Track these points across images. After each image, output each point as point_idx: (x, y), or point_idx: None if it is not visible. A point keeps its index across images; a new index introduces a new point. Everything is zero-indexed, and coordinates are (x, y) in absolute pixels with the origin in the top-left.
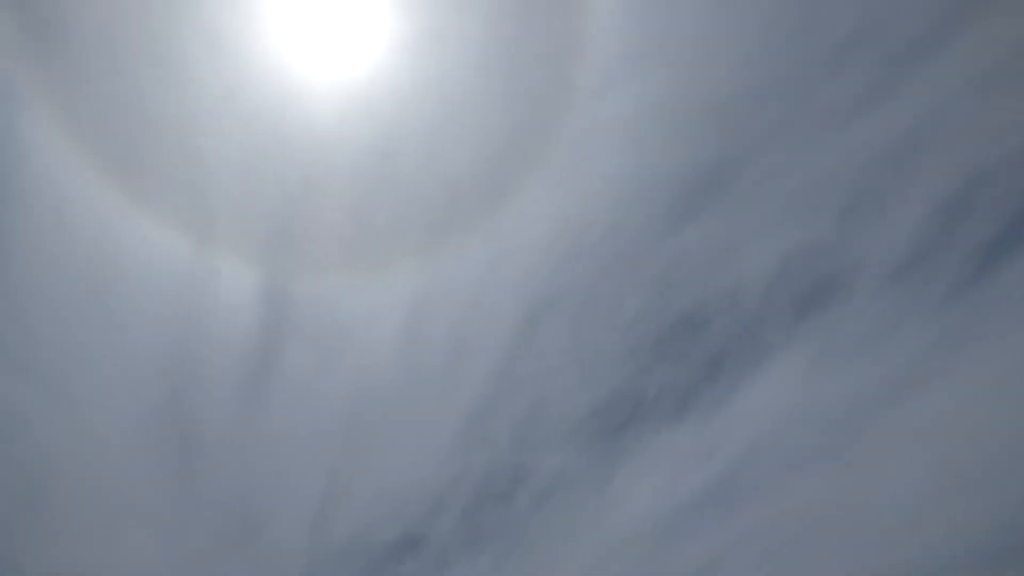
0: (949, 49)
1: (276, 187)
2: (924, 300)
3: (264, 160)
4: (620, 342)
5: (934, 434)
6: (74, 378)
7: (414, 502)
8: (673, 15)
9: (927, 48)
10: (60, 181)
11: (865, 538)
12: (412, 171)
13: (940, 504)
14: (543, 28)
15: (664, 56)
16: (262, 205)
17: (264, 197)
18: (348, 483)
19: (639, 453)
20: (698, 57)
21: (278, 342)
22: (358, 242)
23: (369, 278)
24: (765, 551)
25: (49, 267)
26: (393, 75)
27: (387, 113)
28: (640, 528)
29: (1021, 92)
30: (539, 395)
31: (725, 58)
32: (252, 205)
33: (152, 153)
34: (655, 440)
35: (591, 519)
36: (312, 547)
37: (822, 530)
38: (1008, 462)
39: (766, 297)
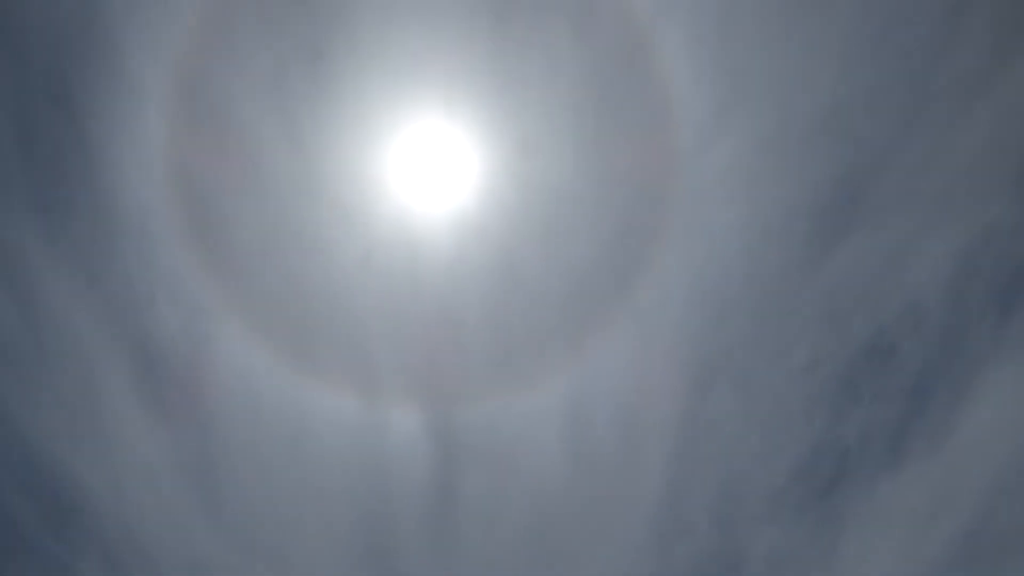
0: None
1: (419, 327)
2: None
3: (404, 304)
4: (801, 392)
5: None
6: (287, 541)
7: None
8: (751, 52)
9: None
10: (247, 369)
11: None
12: (538, 277)
13: None
14: (628, 107)
15: (754, 93)
16: (411, 347)
17: (411, 339)
18: None
19: (862, 512)
20: (788, 82)
21: (453, 471)
22: (505, 357)
23: (523, 389)
24: None
25: (251, 445)
26: (498, 192)
27: (501, 228)
28: None
29: None
30: (728, 468)
31: (817, 73)
32: (403, 349)
33: (313, 325)
34: (876, 494)
35: None
36: None
37: None
38: None
39: (954, 302)
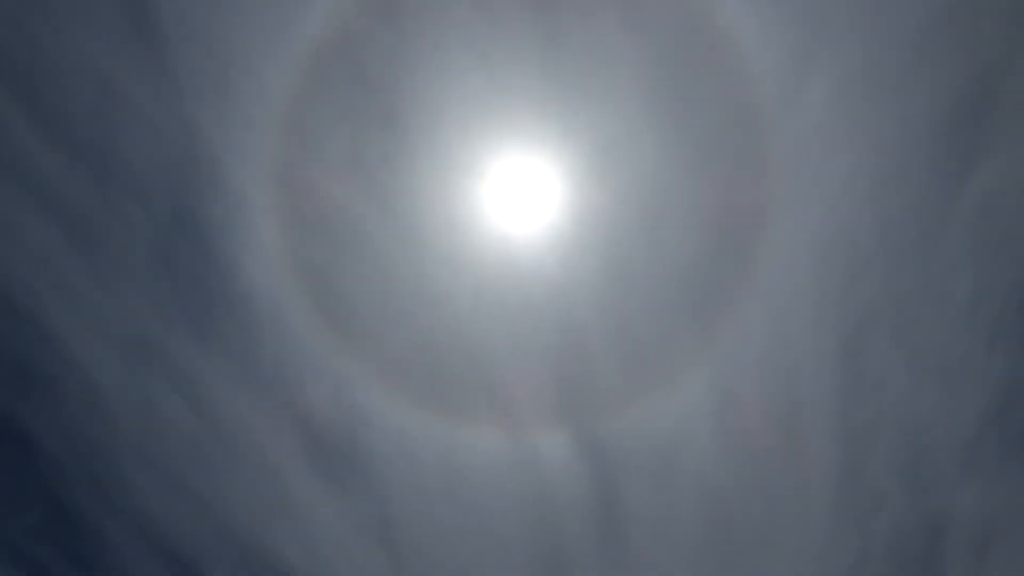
0: None
1: (545, 351)
2: None
3: (526, 332)
4: (971, 331)
5: None
6: None
7: None
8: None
9: None
10: (397, 426)
11: None
12: (650, 273)
13: None
14: (699, 77)
15: (835, 25)
16: (542, 372)
17: (540, 365)
18: None
19: None
20: (871, 2)
21: (611, 485)
22: (637, 361)
23: (664, 390)
24: None
25: (416, 495)
26: (588, 199)
27: (600, 235)
28: None
29: None
30: (909, 427)
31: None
32: (535, 376)
33: (445, 372)
34: None
35: None
36: None
37: None
38: None
39: None
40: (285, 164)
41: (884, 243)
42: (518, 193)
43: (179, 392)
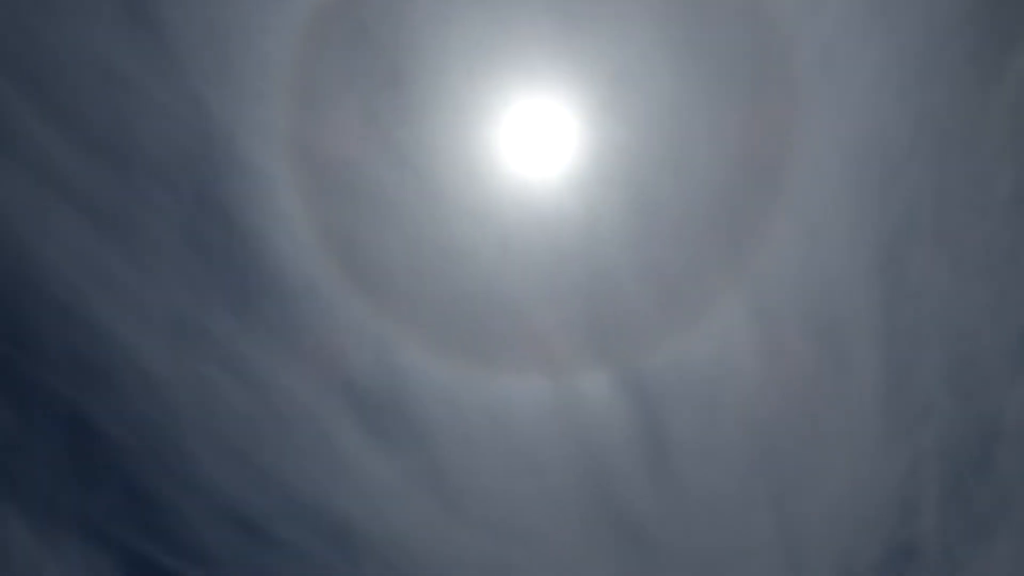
0: None
1: (577, 293)
2: None
3: (556, 277)
4: (1016, 227)
5: None
6: (525, 518)
7: (879, 508)
8: None
9: None
10: (439, 381)
11: None
12: (677, 203)
13: None
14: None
15: None
16: (576, 315)
17: (574, 307)
18: (797, 517)
19: None
20: None
21: (655, 418)
22: (670, 293)
23: (699, 319)
24: None
25: (465, 445)
26: (608, 135)
27: (623, 170)
28: None
29: None
30: (955, 332)
31: None
32: (570, 319)
33: (480, 325)
34: None
35: None
36: None
37: None
38: None
39: None
40: (298, 132)
41: (919, 142)
42: (535, 135)
43: (226, 369)
